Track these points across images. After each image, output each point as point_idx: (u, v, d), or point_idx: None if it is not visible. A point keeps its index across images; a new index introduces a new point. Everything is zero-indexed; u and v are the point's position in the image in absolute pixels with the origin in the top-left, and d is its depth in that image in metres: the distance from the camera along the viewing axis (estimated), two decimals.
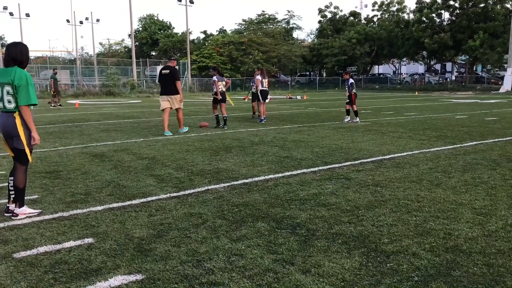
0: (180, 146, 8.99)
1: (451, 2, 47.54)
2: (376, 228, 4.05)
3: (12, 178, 4.62)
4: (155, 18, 65.94)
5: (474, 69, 52.69)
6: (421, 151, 8.16)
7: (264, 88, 14.25)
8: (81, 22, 54.27)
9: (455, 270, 3.19)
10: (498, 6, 44.26)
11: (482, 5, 45.26)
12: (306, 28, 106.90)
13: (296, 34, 67.11)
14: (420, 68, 64.89)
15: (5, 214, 4.57)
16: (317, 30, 63.20)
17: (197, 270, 3.24)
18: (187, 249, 3.61)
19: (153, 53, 65.03)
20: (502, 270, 3.19)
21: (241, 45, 49.91)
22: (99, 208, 4.76)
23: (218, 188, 5.58)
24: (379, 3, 55.84)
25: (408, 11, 54.23)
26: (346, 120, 13.69)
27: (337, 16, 60.91)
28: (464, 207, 4.67)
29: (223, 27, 68.65)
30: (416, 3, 50.15)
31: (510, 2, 45.05)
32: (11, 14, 47.49)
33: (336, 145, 8.90)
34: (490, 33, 42.93)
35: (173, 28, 66.17)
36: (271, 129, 12.05)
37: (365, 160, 7.29)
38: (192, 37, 61.05)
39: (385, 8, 55.86)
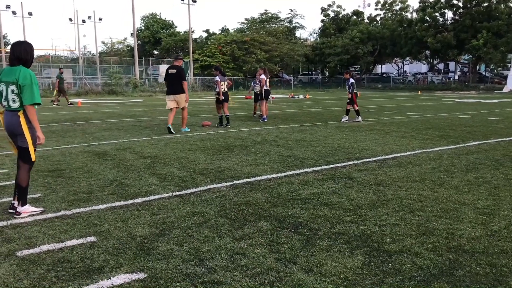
0: (183, 145, 8.99)
1: (455, 1, 47.40)
2: (378, 228, 4.04)
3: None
4: (158, 17, 66.01)
5: (478, 68, 52.55)
6: (424, 150, 8.14)
7: (266, 88, 14.32)
8: (83, 21, 54.32)
9: (458, 270, 3.19)
10: (502, 5, 44.09)
11: (485, 4, 45.08)
12: (309, 27, 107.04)
13: (298, 33, 67.14)
14: (423, 67, 64.75)
15: (9, 211, 4.60)
16: (319, 29, 63.14)
17: (200, 269, 3.24)
18: (189, 248, 3.61)
19: (156, 52, 65.09)
20: (505, 270, 3.18)
21: (243, 44, 49.89)
22: (102, 206, 4.77)
23: (221, 187, 5.58)
24: (382, 2, 55.72)
25: (411, 10, 54.15)
26: (344, 119, 13.67)
27: (340, 15, 60.84)
28: (467, 207, 4.66)
29: (225, 26, 68.81)
30: (419, 2, 49.99)
31: None
32: (14, 12, 47.60)
33: (339, 145, 8.89)
34: (494, 32, 42.79)
35: (176, 27, 66.27)
36: (273, 128, 12.04)
37: (367, 160, 7.28)
38: (194, 36, 61.16)
39: (388, 7, 55.75)
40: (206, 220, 4.31)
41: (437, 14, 48.68)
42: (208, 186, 5.60)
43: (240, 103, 24.14)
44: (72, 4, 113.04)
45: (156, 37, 63.42)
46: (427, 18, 48.64)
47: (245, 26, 59.44)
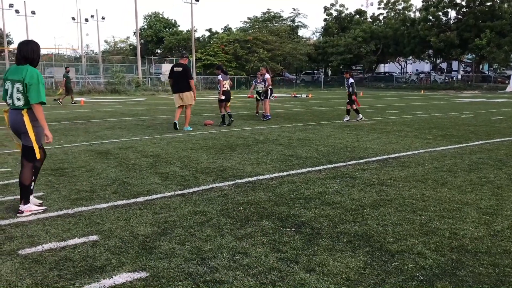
0: (185, 144, 9.00)
1: (458, 1, 47.28)
2: (381, 227, 4.03)
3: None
4: (160, 16, 66.05)
5: (481, 68, 52.42)
6: (427, 150, 8.12)
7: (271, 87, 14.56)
8: (86, 20, 54.47)
9: (461, 270, 3.18)
10: (505, 4, 43.93)
11: (489, 3, 44.95)
12: (312, 26, 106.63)
13: (301, 32, 67.27)
14: (426, 66, 64.63)
15: (36, 207, 4.65)
16: (322, 28, 63.06)
17: (202, 268, 3.24)
18: (191, 247, 3.61)
19: (158, 51, 65.15)
20: (508, 270, 3.16)
21: (246, 43, 49.88)
22: (104, 205, 4.77)
23: (223, 186, 5.58)
24: (385, 1, 55.59)
25: (414, 9, 54.05)
26: (345, 119, 13.67)
27: (343, 14, 60.75)
28: (469, 206, 4.64)
29: (228, 25, 68.60)
30: (422, 2, 49.90)
31: None
32: (17, 11, 47.75)
33: (341, 144, 8.88)
34: (497, 31, 42.65)
35: (178, 26, 66.32)
36: (276, 127, 12.04)
37: (370, 159, 7.27)
38: (197, 35, 61.19)
39: (391, 7, 55.63)
40: (208, 219, 4.31)
41: (440, 13, 48.56)
42: (210, 185, 5.60)
43: (242, 102, 24.14)
44: (75, 3, 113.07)
45: (158, 36, 63.47)
46: (430, 17, 48.53)
47: (248, 25, 59.41)
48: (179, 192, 5.30)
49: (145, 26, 64.85)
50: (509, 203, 4.76)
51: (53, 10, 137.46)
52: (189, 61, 43.56)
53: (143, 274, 3.14)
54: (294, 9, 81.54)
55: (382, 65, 66.90)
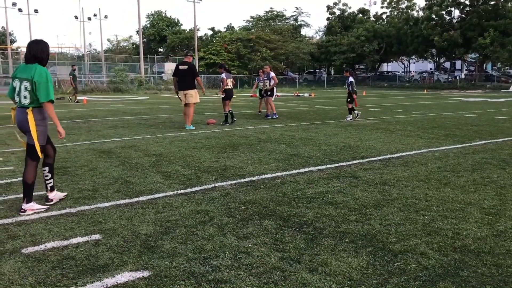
0: (187, 143, 9.00)
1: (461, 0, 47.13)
2: (383, 227, 4.02)
3: (45, 168, 4.84)
4: (163, 14, 66.07)
5: (484, 67, 52.25)
6: (430, 149, 8.10)
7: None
8: (89, 19, 54.49)
9: (463, 270, 3.16)
10: (509, 3, 43.82)
11: (492, 2, 44.82)
12: (315, 25, 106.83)
13: (304, 31, 67.22)
14: (429, 66, 64.47)
15: (46, 203, 4.75)
16: (325, 27, 63.02)
17: (204, 267, 3.24)
18: (194, 246, 3.61)
19: (161, 50, 65.18)
20: (511, 271, 3.15)
21: (249, 42, 49.88)
22: (107, 204, 4.78)
23: (225, 185, 5.57)
24: (388, 0, 55.50)
25: (417, 8, 53.95)
26: (348, 118, 13.68)
27: (346, 13, 60.68)
28: (472, 206, 4.63)
29: (231, 24, 68.86)
30: (426, 0, 49.76)
31: None
32: (20, 10, 47.82)
33: (344, 143, 8.86)
34: (501, 31, 42.51)
35: (181, 24, 66.34)
36: (278, 126, 12.03)
37: (373, 159, 7.25)
38: (200, 34, 61.19)
39: (394, 5, 55.54)
40: (211, 218, 4.31)
41: (443, 12, 48.44)
42: (213, 185, 5.60)
43: (245, 101, 24.14)
44: (78, 1, 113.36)
45: (161, 35, 63.50)
46: (434, 16, 48.41)
47: (251, 24, 59.42)
48: (182, 191, 5.30)
49: (148, 25, 64.89)
50: None
51: (56, 9, 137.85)
52: (193, 59, 43.99)
53: (146, 273, 3.14)
54: (297, 8, 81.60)
55: (385, 64, 66.76)
